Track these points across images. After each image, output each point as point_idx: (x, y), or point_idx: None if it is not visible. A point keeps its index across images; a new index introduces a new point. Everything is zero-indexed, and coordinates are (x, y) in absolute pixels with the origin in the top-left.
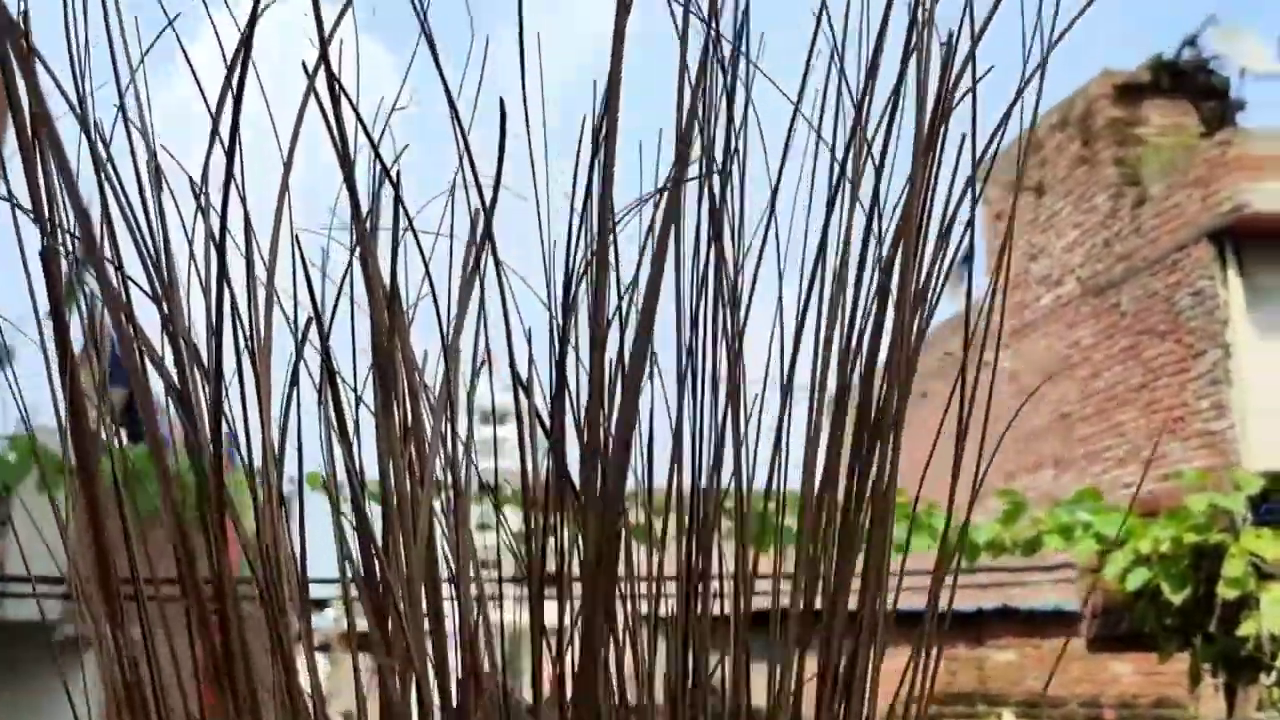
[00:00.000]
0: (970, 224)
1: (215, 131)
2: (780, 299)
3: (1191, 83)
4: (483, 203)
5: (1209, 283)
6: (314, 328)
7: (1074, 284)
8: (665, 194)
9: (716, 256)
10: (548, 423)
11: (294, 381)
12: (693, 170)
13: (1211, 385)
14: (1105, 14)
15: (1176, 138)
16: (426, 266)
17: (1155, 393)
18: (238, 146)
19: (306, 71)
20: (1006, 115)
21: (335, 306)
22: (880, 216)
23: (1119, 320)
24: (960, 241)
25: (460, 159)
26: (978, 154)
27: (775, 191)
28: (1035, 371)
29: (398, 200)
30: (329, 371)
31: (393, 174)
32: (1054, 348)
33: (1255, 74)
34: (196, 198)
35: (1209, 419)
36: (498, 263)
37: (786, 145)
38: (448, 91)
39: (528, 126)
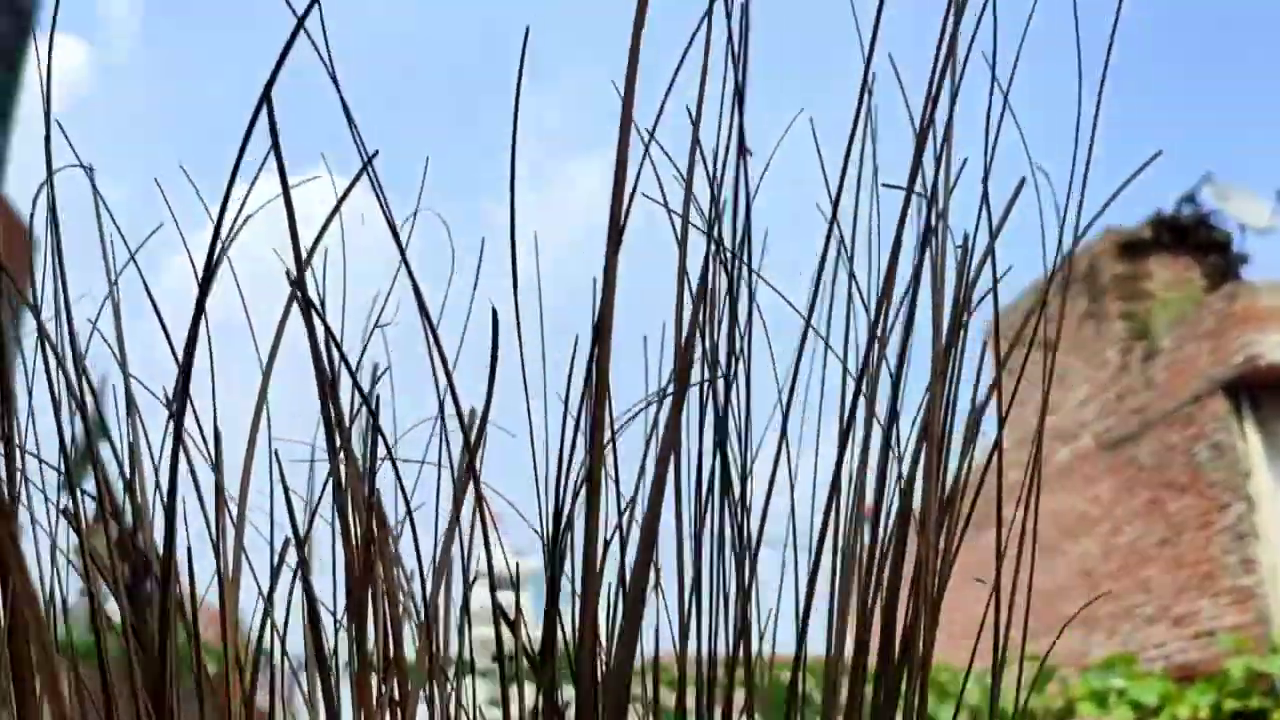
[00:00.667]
0: (998, 444)
1: (189, 353)
2: (793, 526)
3: (1193, 238)
4: (467, 439)
5: (1226, 435)
6: (291, 550)
7: (1090, 439)
8: (667, 405)
9: (722, 473)
10: (536, 659)
11: (266, 614)
12: (697, 375)
13: (1237, 540)
14: (1106, 175)
15: (1182, 292)
16: (408, 503)
17: (1179, 548)
18: (209, 360)
19: (289, 277)
20: (1026, 319)
21: (310, 525)
22: (898, 430)
23: (1138, 474)
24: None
25: (443, 391)
26: (1001, 356)
27: (787, 412)
28: (1055, 528)
29: (376, 429)
30: (310, 601)
31: (371, 400)
32: (1074, 502)
33: (1255, 229)
34: (169, 409)
35: (1237, 575)
36: (479, 498)
37: (798, 359)
38: (426, 315)
39: (519, 329)
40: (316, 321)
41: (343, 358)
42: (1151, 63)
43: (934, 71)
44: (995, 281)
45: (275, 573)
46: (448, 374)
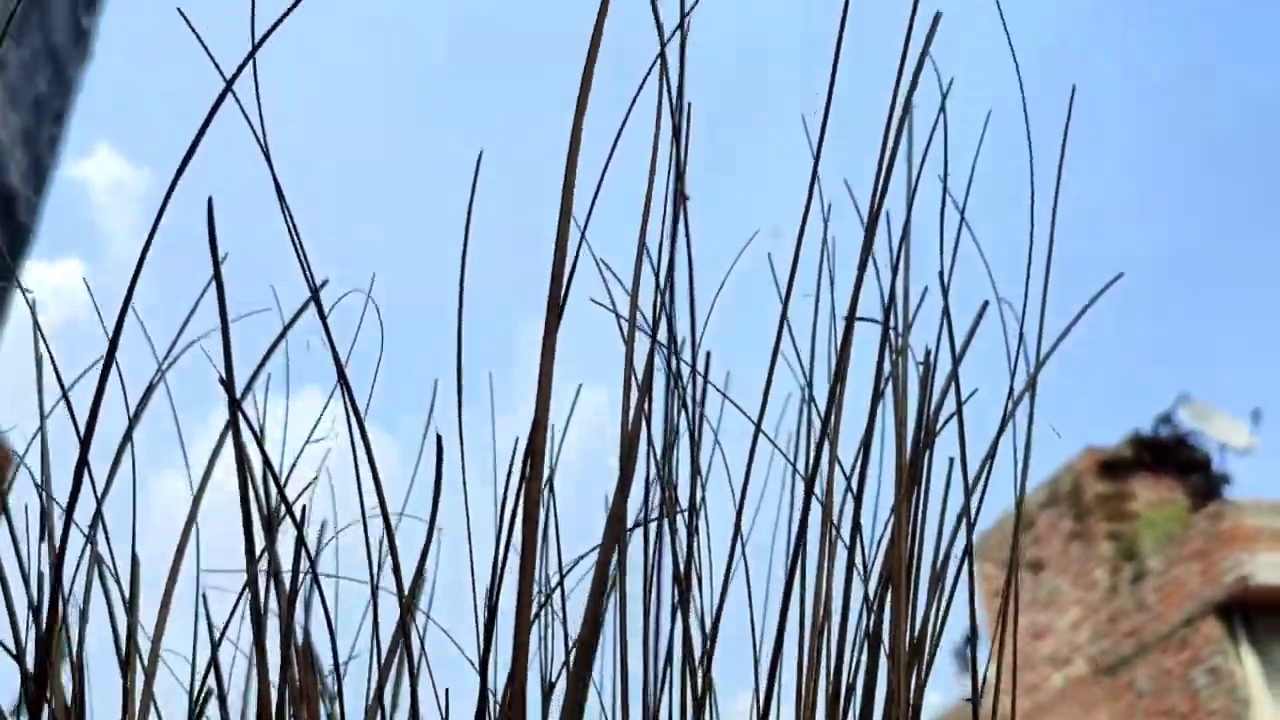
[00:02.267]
0: (970, 576)
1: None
2: (756, 653)
3: (1174, 457)
4: (400, 593)
5: (1223, 660)
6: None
7: (1083, 663)
8: (612, 545)
9: (680, 603)
10: None
11: None
12: (651, 508)
13: None
14: (1083, 384)
15: (1167, 511)
16: (336, 669)
17: None
18: (131, 481)
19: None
20: (995, 442)
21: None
22: (864, 552)
23: (1136, 701)
24: (955, 583)
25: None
26: (969, 482)
27: (738, 536)
28: None
29: (300, 542)
30: None
31: (310, 546)
32: None
33: (1235, 449)
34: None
35: None
36: (408, 646)
37: (748, 467)
38: (372, 463)
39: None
40: (249, 438)
41: (281, 495)
42: (1125, 283)
43: (879, 184)
44: (959, 405)
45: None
46: (382, 504)
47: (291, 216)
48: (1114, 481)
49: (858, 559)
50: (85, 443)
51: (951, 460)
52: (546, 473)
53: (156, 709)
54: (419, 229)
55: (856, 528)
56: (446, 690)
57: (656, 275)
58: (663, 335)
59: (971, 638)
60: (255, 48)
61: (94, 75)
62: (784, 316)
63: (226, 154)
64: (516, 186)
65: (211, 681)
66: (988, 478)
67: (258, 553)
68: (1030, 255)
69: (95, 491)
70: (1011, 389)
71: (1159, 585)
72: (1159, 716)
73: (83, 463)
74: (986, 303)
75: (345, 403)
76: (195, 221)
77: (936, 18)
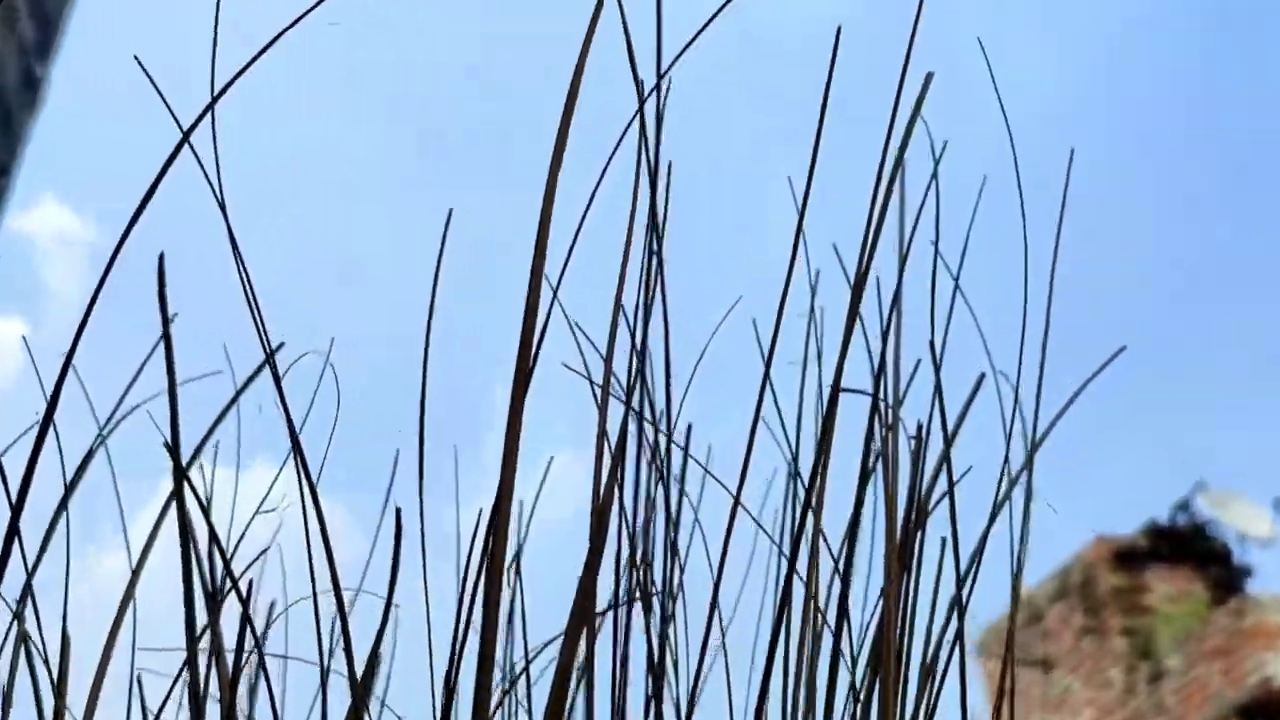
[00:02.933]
0: (962, 665)
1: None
2: None
3: (1191, 548)
4: (352, 677)
5: None
6: None
7: None
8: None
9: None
10: None
11: None
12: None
13: None
14: (1093, 467)
15: (1185, 606)
16: None
17: None
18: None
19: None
20: (989, 525)
21: None
22: (850, 638)
23: None
24: (945, 671)
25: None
26: (962, 567)
27: (711, 619)
28: None
29: (245, 619)
30: None
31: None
32: None
33: (1256, 540)
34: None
35: None
36: None
37: (726, 538)
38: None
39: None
40: (194, 508)
41: (226, 568)
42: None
43: (866, 249)
44: (951, 484)
45: None
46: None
47: (247, 273)
48: (1128, 573)
49: (844, 645)
50: (16, 510)
51: (944, 541)
52: (513, 549)
53: None
54: (383, 290)
55: (843, 611)
56: None
57: (633, 337)
58: (641, 405)
59: None
60: (214, 99)
61: (42, 122)
62: (765, 382)
63: (180, 207)
64: (488, 246)
65: None
66: (979, 562)
67: (199, 630)
68: (1024, 324)
69: (25, 564)
70: (1006, 467)
71: (1178, 686)
72: None
73: (13, 532)
74: (983, 375)
75: (298, 471)
76: (144, 279)
77: (928, 78)
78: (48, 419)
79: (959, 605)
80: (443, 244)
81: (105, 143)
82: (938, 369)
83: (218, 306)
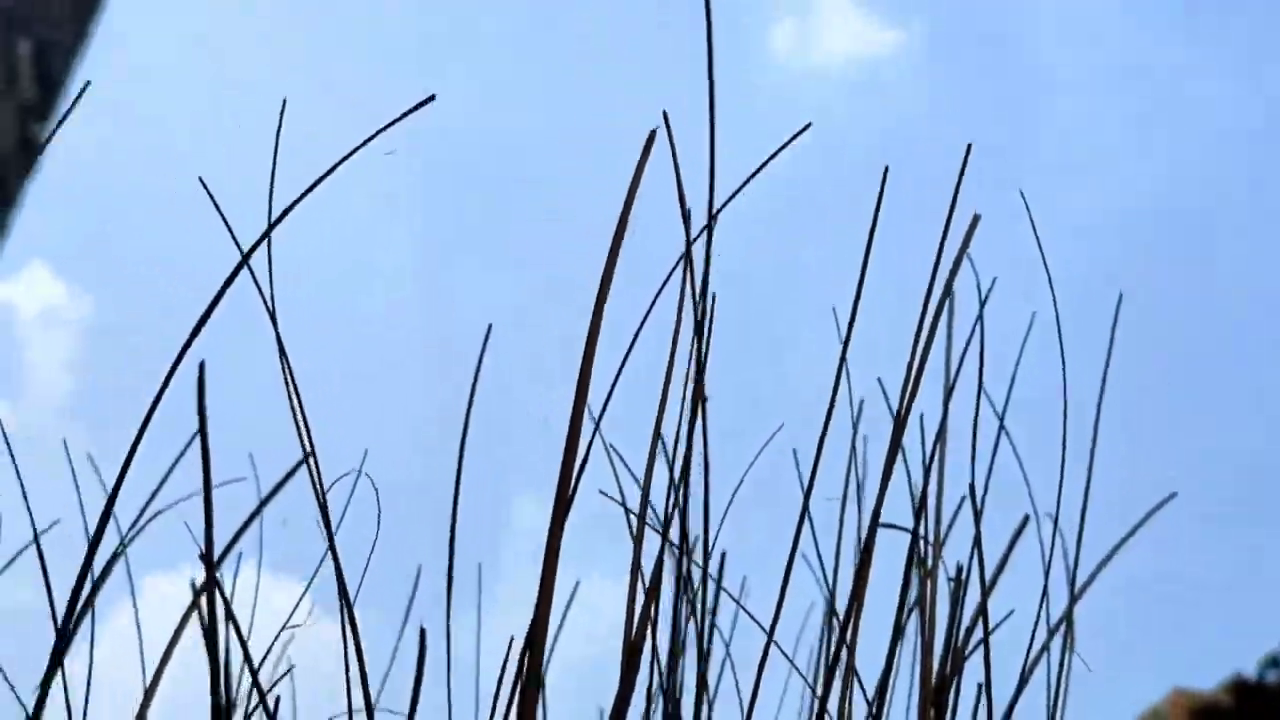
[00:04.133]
0: None
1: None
2: None
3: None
4: None
5: None
6: None
7: None
8: None
9: None
10: None
11: None
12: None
13: None
14: (1173, 613)
15: None
16: None
17: None
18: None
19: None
20: (1023, 679)
21: None
22: None
23: None
24: None
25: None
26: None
27: None
28: None
29: None
30: None
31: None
32: None
33: None
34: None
35: None
36: None
37: (757, 680)
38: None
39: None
40: (220, 614)
41: (255, 684)
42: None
43: (908, 382)
44: (986, 633)
45: None
46: (363, 677)
47: (293, 378)
48: None
49: None
50: (62, 636)
51: (980, 687)
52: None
53: None
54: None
55: None
56: None
57: (671, 469)
58: (675, 536)
59: None
60: (272, 226)
61: (38, 188)
62: (804, 514)
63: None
64: (527, 365)
65: None
66: (1011, 712)
67: None
68: (1062, 467)
69: (62, 669)
70: (1043, 616)
71: None
72: None
73: (58, 658)
74: (1026, 518)
75: (339, 584)
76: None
77: (975, 219)
78: (97, 537)
79: None
80: (479, 362)
81: (103, 215)
82: (978, 513)
83: (235, 413)
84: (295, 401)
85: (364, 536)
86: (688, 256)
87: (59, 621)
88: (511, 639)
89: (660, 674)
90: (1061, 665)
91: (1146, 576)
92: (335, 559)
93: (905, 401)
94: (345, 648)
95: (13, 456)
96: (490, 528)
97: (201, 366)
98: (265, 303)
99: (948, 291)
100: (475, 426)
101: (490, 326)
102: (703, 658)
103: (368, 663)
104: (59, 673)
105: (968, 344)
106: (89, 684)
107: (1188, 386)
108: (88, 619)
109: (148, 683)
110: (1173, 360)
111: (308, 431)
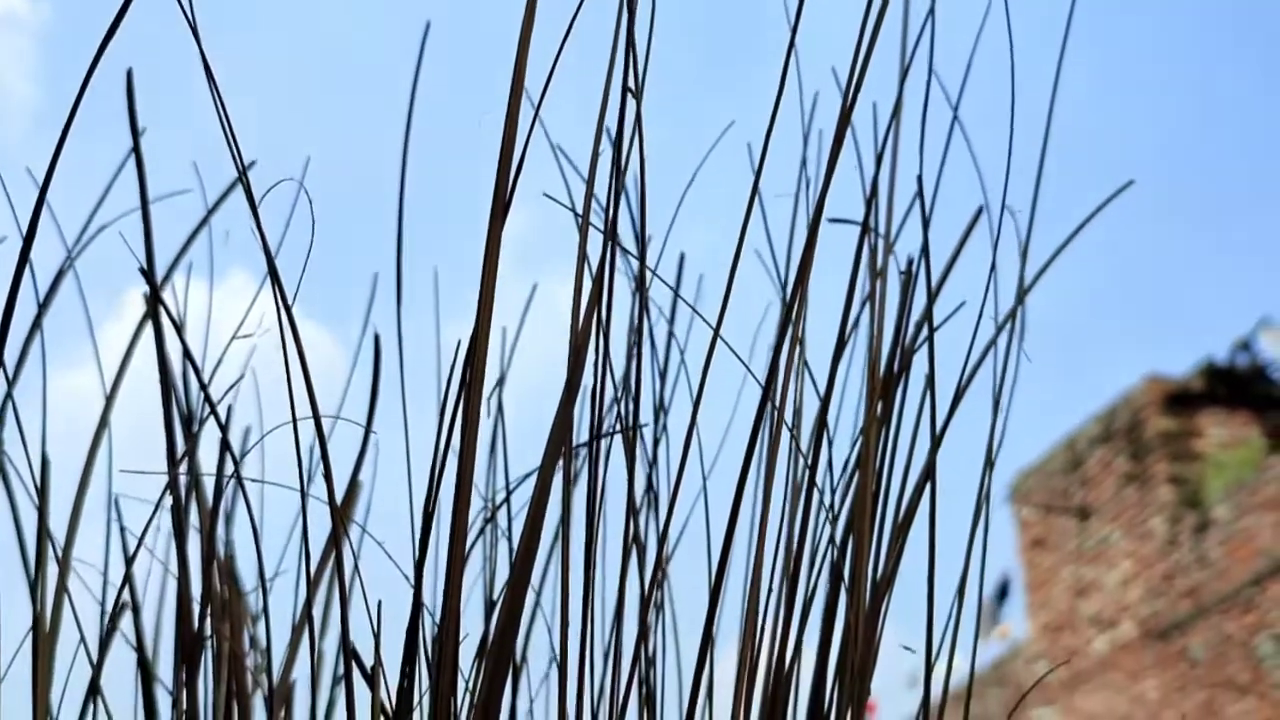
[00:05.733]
0: (932, 509)
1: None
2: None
3: (1250, 391)
4: (332, 501)
5: None
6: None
7: (1132, 626)
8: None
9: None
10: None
11: (93, 687)
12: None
13: None
14: (1149, 304)
15: (1239, 453)
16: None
17: None
18: (41, 373)
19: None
20: (964, 374)
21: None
22: (832, 478)
23: (1189, 670)
24: (915, 510)
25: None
26: (938, 424)
27: (691, 440)
28: None
29: (225, 445)
30: (145, 674)
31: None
32: (1114, 703)
33: None
34: None
35: None
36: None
37: (705, 366)
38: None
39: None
40: (170, 332)
41: (205, 393)
42: (1204, 192)
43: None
44: (931, 328)
45: (107, 636)
46: (312, 403)
47: (218, 89)
48: (1179, 417)
49: (821, 471)
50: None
51: (926, 379)
52: (495, 378)
53: (77, 622)
54: (364, 111)
55: (821, 431)
56: (379, 603)
57: (615, 160)
58: (616, 230)
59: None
60: None
61: None
62: (751, 203)
63: (142, 17)
64: (470, 65)
65: (126, 595)
66: (959, 398)
67: (178, 455)
68: (1007, 151)
69: (8, 381)
70: (985, 307)
71: (1225, 538)
72: (1215, 688)
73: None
74: (980, 209)
75: (275, 294)
76: (108, 86)
77: None
78: (26, 249)
79: (933, 438)
80: (420, 59)
81: None
82: (924, 203)
83: (184, 124)
84: (219, 106)
85: (331, 247)
86: None
87: None
88: (458, 342)
89: (611, 374)
90: (1007, 359)
91: (1120, 267)
92: (271, 264)
93: (853, 81)
94: (285, 355)
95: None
96: (456, 239)
97: (129, 75)
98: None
99: None
100: (438, 138)
101: (428, 24)
102: (636, 342)
103: (339, 372)
104: (8, 391)
105: (921, 29)
106: (44, 396)
107: (1151, 75)
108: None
109: (106, 392)
110: (1134, 53)
111: (234, 143)
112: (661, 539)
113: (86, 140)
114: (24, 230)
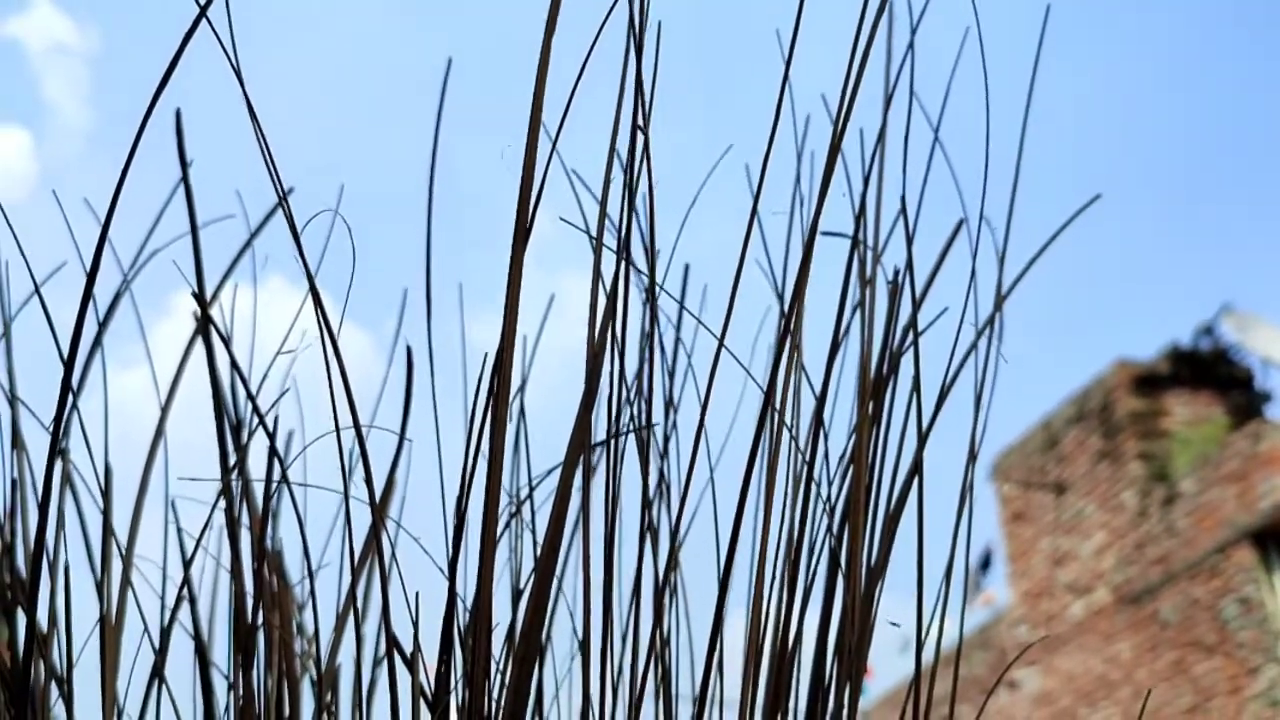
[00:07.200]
0: (920, 489)
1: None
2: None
3: (1213, 373)
4: (372, 500)
5: (1254, 588)
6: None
7: (1106, 592)
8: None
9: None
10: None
11: (156, 674)
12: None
13: (1271, 706)
14: (1118, 293)
15: (1204, 430)
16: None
17: (1210, 715)
18: (103, 390)
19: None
20: (949, 370)
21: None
22: (828, 470)
23: (1160, 632)
24: (908, 493)
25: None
26: (924, 422)
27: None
28: (1071, 692)
29: (273, 452)
30: (203, 662)
31: (273, 430)
32: (1090, 664)
33: (1278, 365)
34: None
35: None
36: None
37: (712, 373)
38: (337, 351)
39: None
40: (219, 348)
41: (253, 405)
42: (1166, 187)
43: (846, 93)
44: (916, 333)
45: (168, 627)
46: (350, 403)
47: (258, 122)
48: (1148, 397)
49: (819, 472)
50: (69, 363)
51: (913, 380)
52: (517, 384)
53: (140, 615)
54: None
55: (817, 429)
56: (417, 594)
57: (627, 182)
58: (627, 246)
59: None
60: None
61: None
62: (752, 220)
63: (193, 58)
64: (493, 88)
65: (185, 589)
66: (943, 398)
67: (231, 462)
68: (985, 164)
69: (73, 397)
70: (965, 313)
71: (1191, 509)
72: (1184, 649)
73: (68, 381)
74: (961, 222)
75: (317, 313)
76: (157, 117)
77: None
78: (90, 281)
79: (919, 426)
80: (443, 92)
81: None
82: (906, 216)
83: (226, 154)
84: (261, 140)
85: (374, 262)
86: None
87: (65, 354)
88: (485, 355)
89: (624, 379)
90: (987, 360)
91: (1090, 257)
92: (311, 284)
93: (842, 110)
94: (328, 368)
95: (59, 202)
96: (483, 254)
97: (178, 114)
98: (226, 52)
99: (884, 6)
100: (458, 154)
101: (450, 61)
102: (648, 347)
103: (363, 374)
104: (71, 399)
105: (903, 60)
106: (105, 409)
107: (1122, 86)
108: (98, 357)
109: (162, 402)
110: (1104, 42)
111: (275, 171)
112: (674, 528)
113: (136, 165)
114: (85, 259)
